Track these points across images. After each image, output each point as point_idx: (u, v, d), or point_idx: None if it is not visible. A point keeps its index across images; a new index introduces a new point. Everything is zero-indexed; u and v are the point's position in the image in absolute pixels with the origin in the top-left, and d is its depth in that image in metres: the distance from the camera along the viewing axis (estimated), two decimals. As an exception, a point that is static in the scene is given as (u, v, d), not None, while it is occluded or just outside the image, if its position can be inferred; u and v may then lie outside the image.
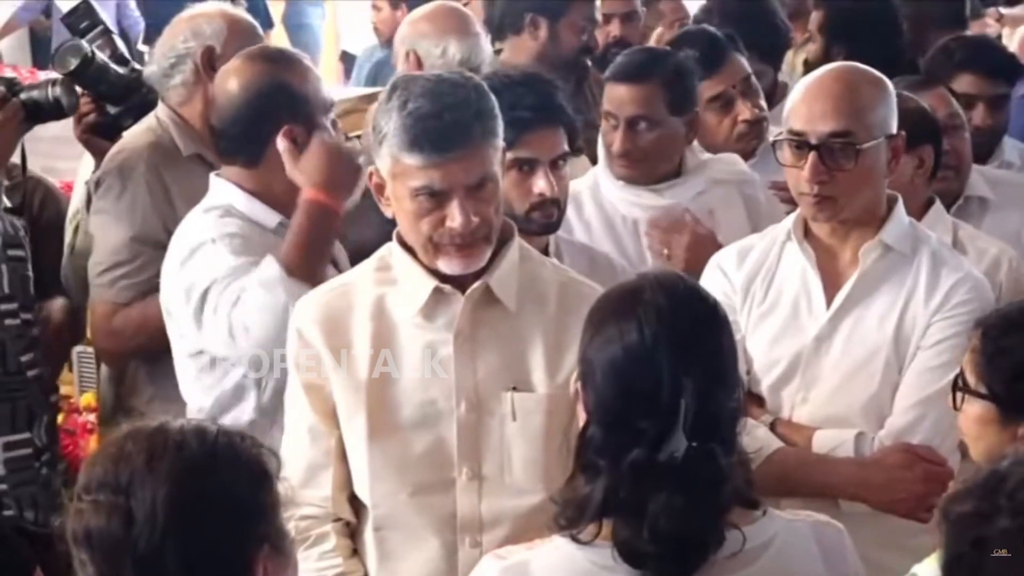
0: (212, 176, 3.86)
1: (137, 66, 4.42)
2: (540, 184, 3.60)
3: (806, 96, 3.48)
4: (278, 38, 9.82)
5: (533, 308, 3.18)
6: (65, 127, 4.50)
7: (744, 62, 4.75)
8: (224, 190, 3.80)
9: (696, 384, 2.50)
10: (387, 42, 7.36)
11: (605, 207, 4.24)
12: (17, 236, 4.13)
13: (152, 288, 4.01)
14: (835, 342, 3.49)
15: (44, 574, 2.64)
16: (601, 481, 2.51)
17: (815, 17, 5.72)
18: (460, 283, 3.13)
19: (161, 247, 3.95)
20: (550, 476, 3.05)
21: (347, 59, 10.00)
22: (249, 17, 4.40)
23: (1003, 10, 7.13)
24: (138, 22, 7.43)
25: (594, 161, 4.41)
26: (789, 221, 3.58)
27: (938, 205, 4.01)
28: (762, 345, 3.54)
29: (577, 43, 5.59)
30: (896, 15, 5.50)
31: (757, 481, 2.66)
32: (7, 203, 4.23)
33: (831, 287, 3.51)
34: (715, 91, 4.58)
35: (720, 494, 2.52)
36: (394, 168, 3.07)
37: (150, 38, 4.61)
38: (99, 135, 4.45)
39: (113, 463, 2.34)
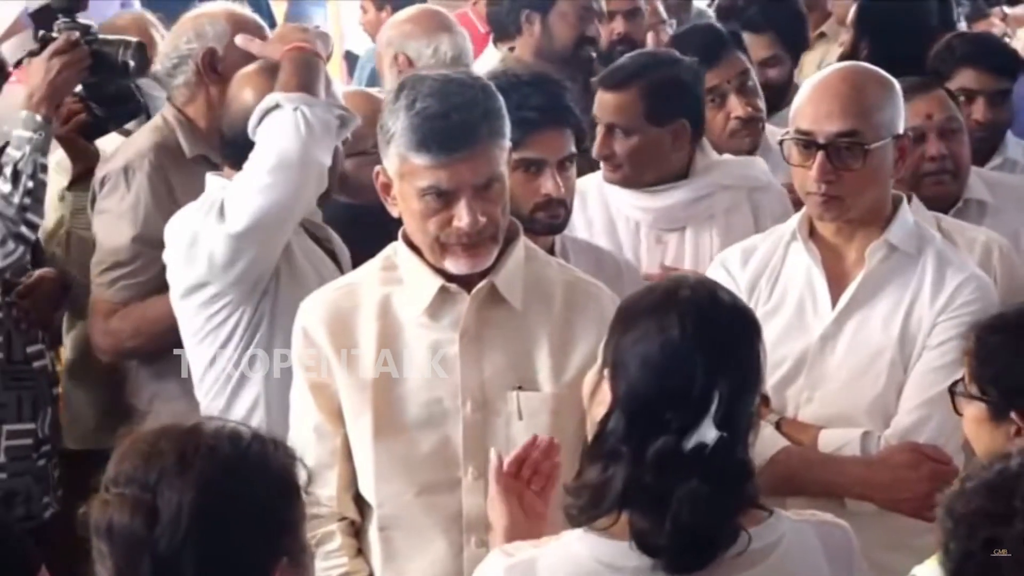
0: (210, 175, 3.86)
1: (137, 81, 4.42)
2: (547, 185, 3.60)
3: (813, 96, 3.48)
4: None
5: (539, 307, 3.18)
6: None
7: (744, 60, 4.71)
8: (222, 186, 3.79)
9: (728, 386, 2.51)
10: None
11: (609, 206, 4.23)
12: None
13: (152, 289, 4.03)
14: (840, 342, 3.49)
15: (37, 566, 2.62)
16: (622, 469, 2.51)
17: (852, 10, 5.73)
18: (466, 282, 3.14)
19: (163, 248, 3.96)
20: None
21: (351, 59, 9.99)
22: (256, 17, 4.39)
23: (1007, 9, 7.12)
24: (141, 22, 7.42)
25: None
26: (794, 220, 3.58)
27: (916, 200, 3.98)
28: (767, 344, 3.54)
29: (572, 34, 5.57)
30: (929, 16, 5.47)
31: (762, 480, 2.65)
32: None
33: (836, 287, 3.51)
34: (709, 84, 4.57)
35: (744, 487, 2.53)
36: (401, 168, 3.07)
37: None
38: (84, 136, 4.45)
39: (144, 459, 2.33)
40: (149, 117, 4.45)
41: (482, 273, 3.13)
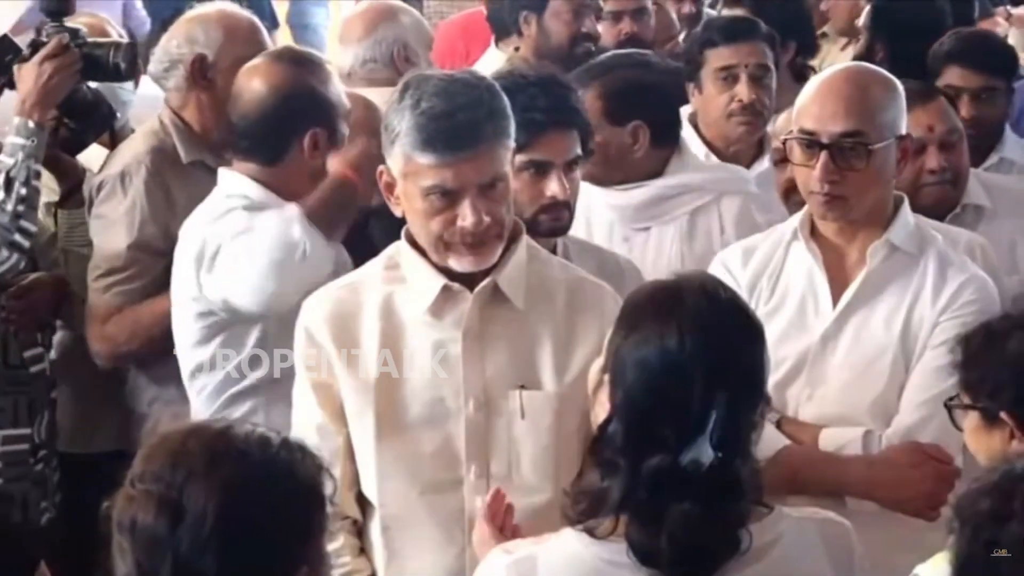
0: (222, 171, 3.87)
1: (92, 85, 4.39)
2: (552, 187, 3.57)
3: (817, 96, 3.49)
4: (283, 38, 9.81)
5: (541, 307, 3.18)
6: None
7: (767, 52, 4.68)
8: (237, 182, 3.81)
9: (728, 398, 2.50)
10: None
11: (592, 204, 4.22)
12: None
13: (147, 294, 4.03)
14: (841, 341, 3.50)
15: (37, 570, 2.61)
16: (619, 482, 2.52)
17: (865, 13, 5.73)
18: (469, 281, 3.14)
19: (159, 254, 3.98)
20: (558, 474, 3.07)
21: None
22: (253, 19, 4.36)
23: (1012, 9, 7.12)
24: (144, 22, 7.41)
25: None
26: (795, 220, 3.58)
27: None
28: (768, 344, 3.54)
29: (567, 31, 5.57)
30: (943, 17, 5.47)
31: (764, 480, 2.66)
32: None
33: (838, 286, 3.52)
34: (723, 62, 4.55)
35: (740, 507, 2.52)
36: (406, 167, 3.08)
37: (156, 39, 4.57)
38: (65, 151, 4.41)
39: (172, 458, 2.33)
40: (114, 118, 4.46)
41: (485, 272, 3.13)
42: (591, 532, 2.55)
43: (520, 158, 3.30)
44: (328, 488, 2.39)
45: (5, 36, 4.39)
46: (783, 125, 4.11)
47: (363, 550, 3.22)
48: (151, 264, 4.00)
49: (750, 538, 2.52)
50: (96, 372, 4.27)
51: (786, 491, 3.28)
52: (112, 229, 4.12)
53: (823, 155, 3.43)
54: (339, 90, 3.89)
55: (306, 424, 3.21)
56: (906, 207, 3.55)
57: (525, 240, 3.22)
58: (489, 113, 3.05)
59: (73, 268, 4.33)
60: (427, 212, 3.06)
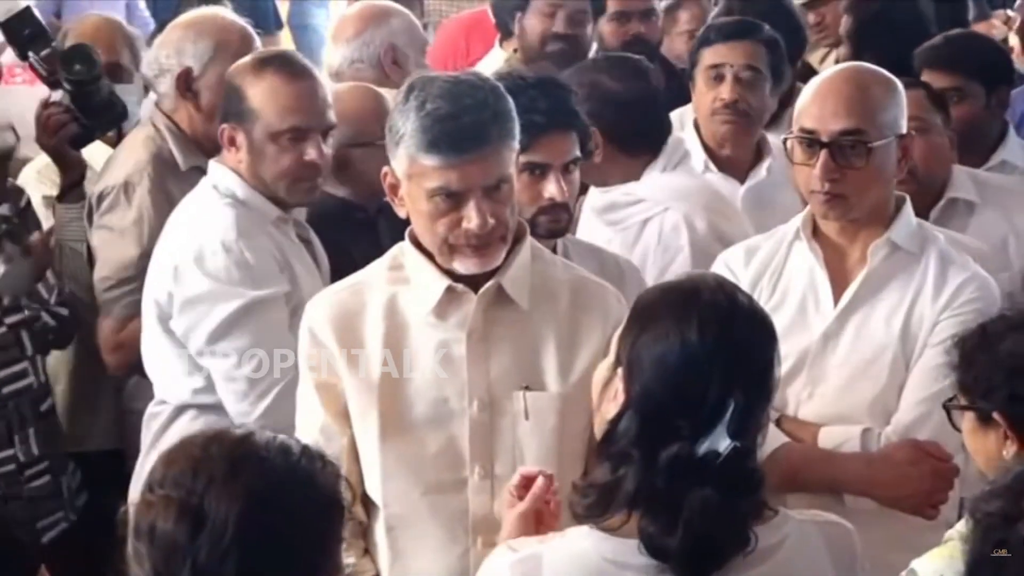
0: (212, 163, 3.92)
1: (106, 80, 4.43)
2: (551, 189, 3.58)
3: (817, 95, 3.50)
4: (284, 39, 9.82)
5: (545, 307, 3.19)
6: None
7: (763, 55, 4.62)
8: (224, 176, 3.86)
9: (744, 395, 2.52)
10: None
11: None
12: None
13: None
14: (842, 340, 3.51)
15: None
16: (633, 472, 2.53)
17: (845, 22, 5.72)
18: (473, 282, 3.14)
19: None
20: (562, 475, 3.08)
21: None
22: (246, 30, 4.35)
23: (1010, 12, 7.11)
24: (148, 23, 7.40)
25: None
26: (798, 220, 3.59)
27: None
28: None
29: (541, 29, 5.55)
30: (924, 19, 5.48)
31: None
32: None
33: (839, 285, 3.53)
34: (713, 60, 4.55)
35: (755, 499, 2.55)
36: (410, 169, 3.07)
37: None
38: (72, 146, 4.43)
39: (193, 464, 2.31)
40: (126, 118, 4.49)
41: (489, 273, 3.13)
42: (599, 527, 2.55)
43: (519, 159, 3.31)
44: (346, 498, 2.38)
45: (27, 8, 4.41)
46: None
47: (367, 551, 3.22)
48: None
49: (756, 539, 2.54)
50: (91, 372, 4.28)
51: (785, 489, 3.30)
52: (120, 240, 4.15)
53: (823, 154, 3.44)
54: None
55: (310, 425, 3.21)
56: (908, 206, 3.57)
57: (529, 241, 3.22)
58: (494, 115, 3.04)
59: (68, 263, 4.34)
60: (432, 214, 3.06)
